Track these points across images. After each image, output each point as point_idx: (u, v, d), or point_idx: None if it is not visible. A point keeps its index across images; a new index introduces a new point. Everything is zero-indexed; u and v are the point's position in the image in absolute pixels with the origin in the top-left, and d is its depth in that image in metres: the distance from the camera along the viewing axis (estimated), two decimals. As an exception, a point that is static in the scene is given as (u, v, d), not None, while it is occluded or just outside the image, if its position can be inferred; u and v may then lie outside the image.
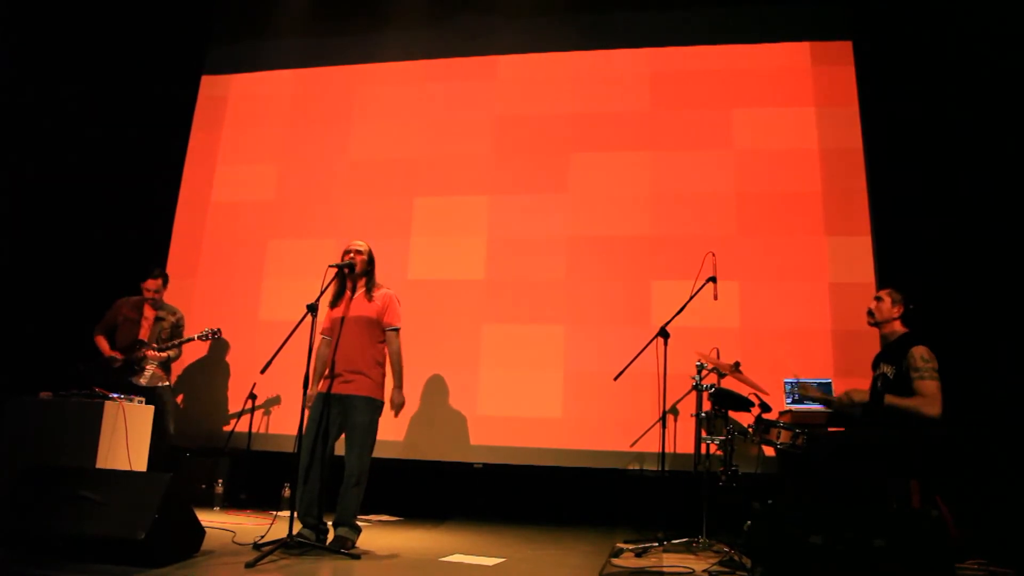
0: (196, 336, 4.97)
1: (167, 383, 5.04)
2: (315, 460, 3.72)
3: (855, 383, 4.13)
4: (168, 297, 5.22)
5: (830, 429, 4.20)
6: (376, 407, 3.85)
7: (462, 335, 5.66)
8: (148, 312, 5.01)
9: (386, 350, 3.95)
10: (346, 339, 3.85)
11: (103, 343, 4.97)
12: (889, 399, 3.59)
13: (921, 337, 3.70)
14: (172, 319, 5.10)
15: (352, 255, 3.95)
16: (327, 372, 3.86)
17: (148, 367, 4.87)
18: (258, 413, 5.63)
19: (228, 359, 5.91)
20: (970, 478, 4.19)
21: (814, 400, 4.20)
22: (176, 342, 4.95)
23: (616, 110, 5.90)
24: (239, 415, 5.47)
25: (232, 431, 5.44)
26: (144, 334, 4.91)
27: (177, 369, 5.52)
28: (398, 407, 3.88)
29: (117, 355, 4.86)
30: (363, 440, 3.77)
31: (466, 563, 3.51)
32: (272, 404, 5.69)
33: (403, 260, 5.85)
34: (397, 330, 3.94)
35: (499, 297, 5.70)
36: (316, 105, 6.39)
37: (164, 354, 4.90)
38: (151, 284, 4.99)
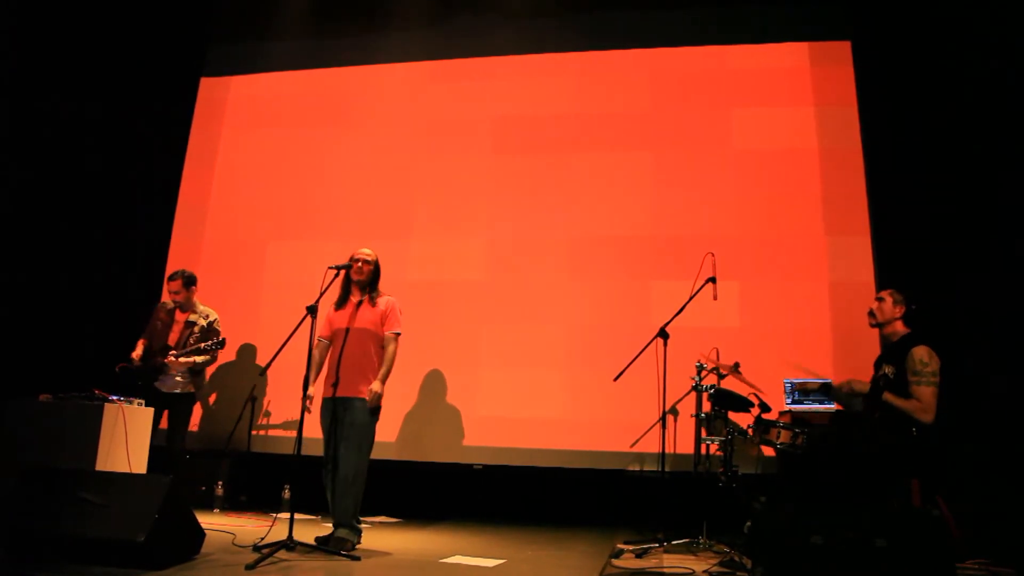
0: (203, 346, 4.76)
1: (190, 390, 4.83)
2: (329, 470, 3.80)
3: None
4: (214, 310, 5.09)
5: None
6: (374, 409, 3.87)
7: (462, 336, 5.66)
8: (179, 316, 4.90)
9: (384, 354, 3.97)
10: (350, 349, 3.88)
11: (139, 346, 4.83)
12: (887, 396, 3.62)
13: (922, 337, 3.70)
14: (203, 322, 4.90)
15: (360, 264, 3.97)
16: (331, 379, 3.86)
17: (171, 373, 4.78)
18: (258, 415, 5.62)
19: (228, 361, 5.90)
20: (971, 478, 4.19)
21: (813, 395, 4.18)
22: (190, 349, 4.73)
23: (616, 110, 5.89)
24: (239, 417, 5.45)
25: (232, 433, 5.42)
26: (172, 339, 4.82)
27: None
28: (374, 397, 3.84)
29: (134, 358, 4.73)
30: (360, 440, 3.80)
31: (466, 564, 3.51)
32: (272, 406, 5.68)
33: (403, 261, 5.84)
34: (397, 335, 3.98)
35: (499, 297, 5.70)
36: (315, 106, 6.39)
37: (189, 360, 4.71)
38: (170, 287, 4.86)
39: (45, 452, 3.84)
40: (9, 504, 3.22)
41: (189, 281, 4.91)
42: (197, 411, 5.82)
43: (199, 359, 4.78)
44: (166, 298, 5.02)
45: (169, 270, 6.16)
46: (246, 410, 5.42)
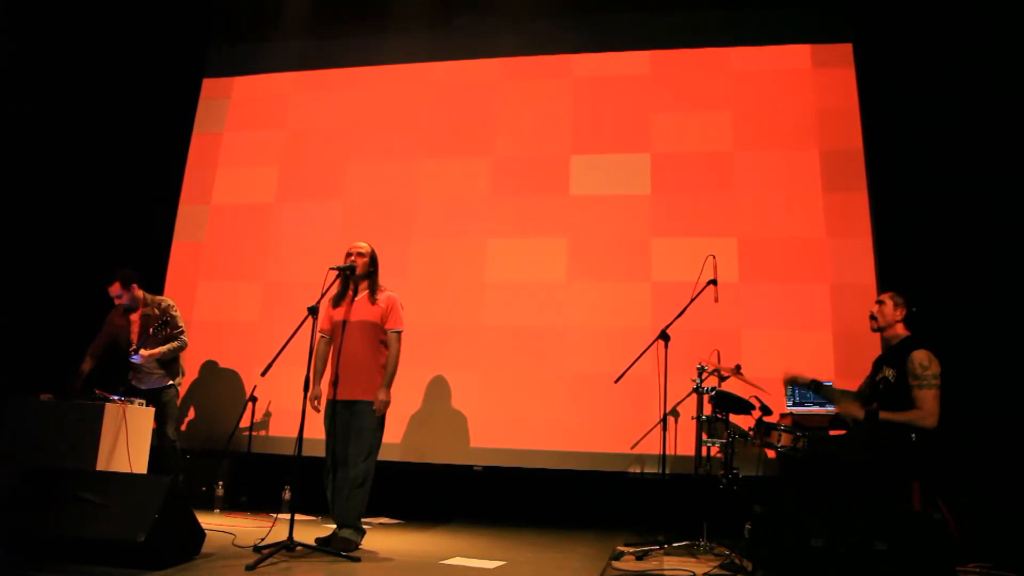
0: (161, 335, 4.69)
1: (170, 383, 4.83)
2: (335, 472, 3.81)
3: (856, 385, 4.12)
4: (170, 298, 5.11)
5: (831, 432, 4.20)
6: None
7: (463, 337, 5.66)
8: (133, 315, 4.84)
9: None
10: (349, 343, 3.85)
11: (85, 366, 4.74)
12: (884, 415, 3.58)
13: (922, 341, 3.69)
14: (157, 312, 4.79)
15: (354, 257, 3.96)
16: (331, 377, 3.86)
17: (144, 369, 4.78)
18: (259, 415, 5.62)
19: (228, 361, 5.90)
20: (972, 480, 4.19)
21: (805, 389, 4.15)
22: (153, 341, 4.67)
23: (617, 111, 5.90)
24: (239, 417, 5.46)
25: (232, 433, 5.43)
26: (134, 336, 4.78)
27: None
28: (382, 406, 3.85)
29: (76, 385, 4.64)
30: (370, 444, 3.80)
31: (467, 566, 3.51)
32: (273, 406, 5.68)
33: (404, 261, 5.85)
34: (399, 333, 3.95)
35: (499, 299, 5.70)
36: (317, 107, 6.40)
37: (155, 352, 4.66)
38: (111, 292, 4.75)
39: (46, 452, 3.84)
40: (9, 504, 3.22)
41: (126, 279, 4.76)
42: (196, 412, 5.85)
43: (164, 348, 4.71)
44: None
45: (171, 271, 6.21)
46: (247, 411, 5.42)
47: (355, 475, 3.76)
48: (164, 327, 4.71)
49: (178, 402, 4.99)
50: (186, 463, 5.14)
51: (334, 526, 3.81)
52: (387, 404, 3.86)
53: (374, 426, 3.82)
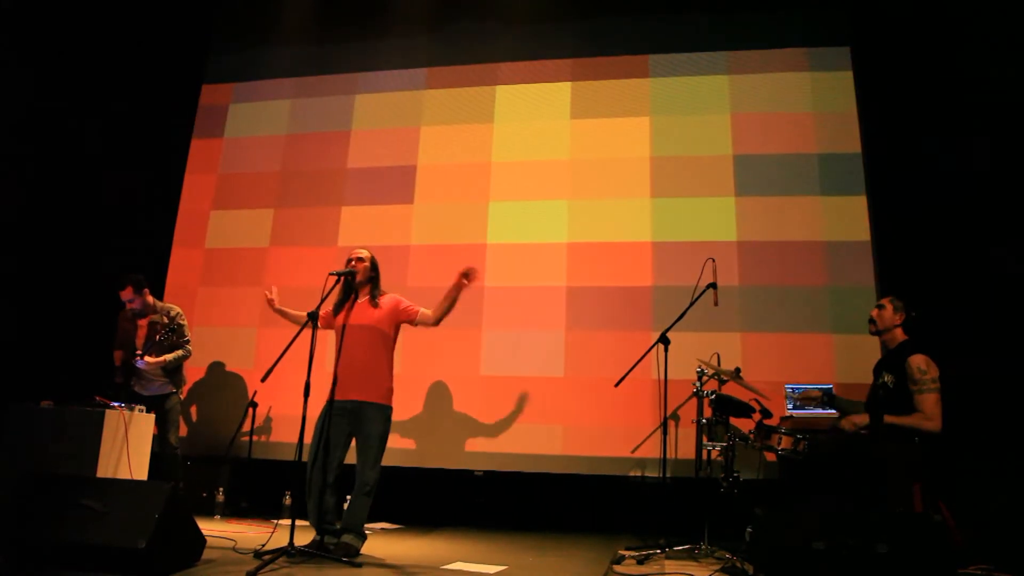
0: (166, 343, 4.73)
1: (172, 390, 4.84)
2: (317, 469, 3.73)
3: (856, 389, 4.14)
4: (178, 305, 5.08)
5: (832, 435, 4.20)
6: (388, 414, 3.88)
7: (463, 341, 5.66)
8: (141, 320, 4.86)
9: (392, 356, 3.97)
10: (351, 347, 3.85)
11: (116, 357, 4.83)
12: (888, 418, 3.59)
13: (920, 345, 3.70)
14: (165, 320, 4.82)
15: (354, 263, 3.97)
16: (331, 380, 3.85)
17: (147, 376, 4.78)
18: (259, 421, 5.62)
19: (229, 367, 5.90)
20: (973, 482, 4.19)
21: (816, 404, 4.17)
22: (159, 349, 4.69)
23: (615, 115, 5.91)
24: (240, 423, 5.45)
25: (233, 439, 5.43)
26: (140, 342, 4.79)
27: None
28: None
29: (117, 376, 4.77)
30: (378, 451, 3.80)
31: (468, 571, 3.51)
32: (273, 412, 5.68)
33: (404, 266, 5.85)
34: (420, 310, 3.98)
35: (499, 303, 5.70)
36: (317, 112, 6.41)
37: (160, 360, 4.69)
38: (123, 296, 4.77)
39: (46, 458, 3.84)
40: (9, 511, 3.22)
41: (139, 284, 4.79)
42: (197, 418, 5.85)
43: (169, 357, 4.74)
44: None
45: (171, 279, 6.21)
46: (247, 416, 5.42)
47: (362, 481, 3.75)
48: (171, 335, 4.73)
49: (179, 409, 4.99)
50: (186, 469, 5.14)
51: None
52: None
53: (383, 433, 3.82)
